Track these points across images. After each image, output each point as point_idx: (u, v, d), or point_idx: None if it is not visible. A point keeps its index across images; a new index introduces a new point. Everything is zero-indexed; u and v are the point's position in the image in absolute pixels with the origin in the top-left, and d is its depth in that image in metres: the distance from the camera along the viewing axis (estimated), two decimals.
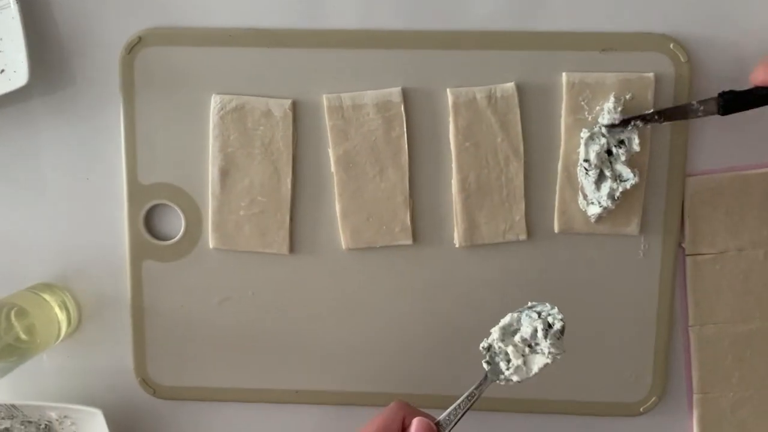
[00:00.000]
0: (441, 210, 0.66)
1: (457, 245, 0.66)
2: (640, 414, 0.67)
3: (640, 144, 0.62)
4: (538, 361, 0.57)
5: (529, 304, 0.58)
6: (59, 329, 0.67)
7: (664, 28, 0.63)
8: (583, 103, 0.63)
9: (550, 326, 0.56)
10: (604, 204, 0.63)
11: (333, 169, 0.65)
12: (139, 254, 0.68)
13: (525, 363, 0.57)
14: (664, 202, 0.65)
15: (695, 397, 0.67)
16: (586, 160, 0.63)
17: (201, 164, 0.66)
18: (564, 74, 0.63)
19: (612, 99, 0.62)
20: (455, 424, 0.57)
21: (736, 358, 0.66)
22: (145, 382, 0.69)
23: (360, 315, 0.67)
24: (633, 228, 0.65)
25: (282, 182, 0.66)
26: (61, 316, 0.67)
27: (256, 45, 0.65)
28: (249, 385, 0.69)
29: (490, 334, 0.58)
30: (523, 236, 0.65)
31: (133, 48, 0.65)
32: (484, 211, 0.65)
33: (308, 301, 0.68)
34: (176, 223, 0.68)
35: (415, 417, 0.56)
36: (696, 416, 0.67)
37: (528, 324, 0.57)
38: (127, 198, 0.67)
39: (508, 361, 0.57)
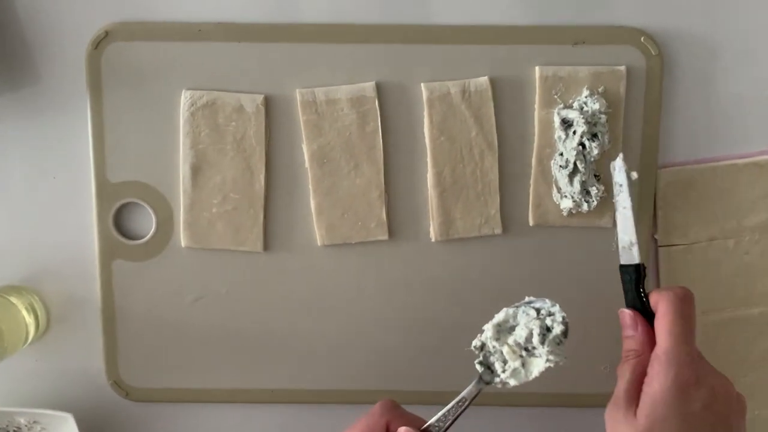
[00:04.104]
0: (416, 205, 0.66)
1: (433, 240, 0.66)
2: None
3: None
4: (538, 365, 0.49)
5: (527, 299, 0.53)
6: (27, 333, 0.65)
7: (634, 22, 0.64)
8: (556, 96, 0.64)
9: (548, 329, 0.49)
10: (577, 198, 0.63)
11: (307, 164, 0.65)
12: (108, 254, 0.66)
13: (523, 365, 0.50)
14: (636, 195, 0.65)
15: None
16: (560, 154, 0.63)
17: (171, 161, 0.65)
18: (537, 68, 0.64)
19: (585, 92, 0.63)
20: (446, 430, 0.51)
21: (707, 347, 0.67)
22: (118, 384, 0.68)
23: (336, 312, 0.67)
24: (606, 220, 0.65)
25: (255, 179, 0.65)
26: (29, 319, 0.65)
27: (227, 39, 0.63)
28: (224, 385, 0.68)
29: (482, 331, 0.52)
30: (498, 230, 0.66)
31: (99, 43, 0.63)
32: (460, 206, 0.65)
33: (283, 299, 0.67)
34: (147, 222, 0.66)
35: (400, 423, 0.52)
36: None
37: (524, 325, 0.50)
38: (95, 197, 0.65)
39: (505, 361, 0.51)
